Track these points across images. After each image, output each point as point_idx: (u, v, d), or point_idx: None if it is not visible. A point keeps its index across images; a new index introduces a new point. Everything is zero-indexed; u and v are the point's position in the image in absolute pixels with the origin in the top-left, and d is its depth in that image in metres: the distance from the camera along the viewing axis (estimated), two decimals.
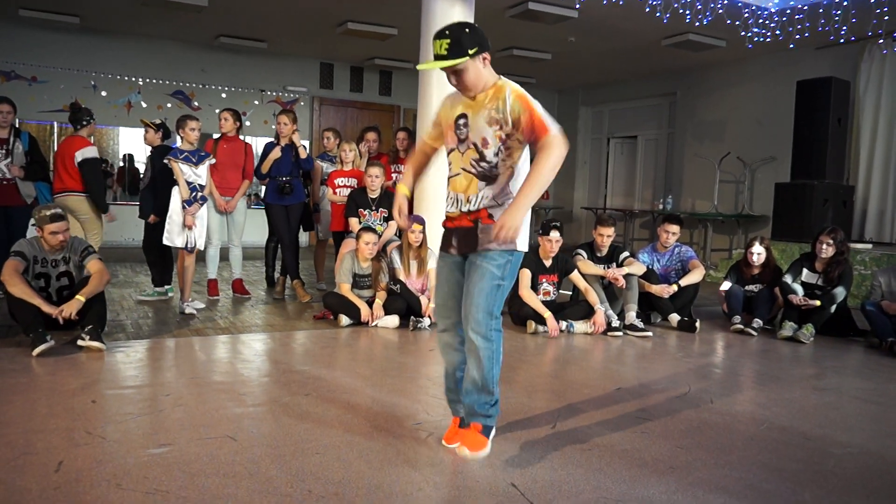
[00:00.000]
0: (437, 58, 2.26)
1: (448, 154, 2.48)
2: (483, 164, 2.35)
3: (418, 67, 2.44)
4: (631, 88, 11.60)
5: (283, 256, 6.07)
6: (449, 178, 2.47)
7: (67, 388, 3.23)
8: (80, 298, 3.98)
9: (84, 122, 5.64)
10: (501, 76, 2.38)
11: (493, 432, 2.51)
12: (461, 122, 2.38)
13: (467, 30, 2.27)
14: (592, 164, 12.79)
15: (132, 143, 10.09)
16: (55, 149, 9.29)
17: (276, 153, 5.83)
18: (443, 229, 2.52)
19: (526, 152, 2.39)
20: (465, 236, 2.41)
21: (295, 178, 5.93)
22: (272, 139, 6.07)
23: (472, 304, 2.34)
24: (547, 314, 4.86)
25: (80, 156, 5.46)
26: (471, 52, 2.26)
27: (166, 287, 5.84)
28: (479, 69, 2.30)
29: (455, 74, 2.30)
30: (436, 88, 5.76)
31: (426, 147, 2.64)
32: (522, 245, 2.39)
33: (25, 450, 2.46)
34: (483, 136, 2.33)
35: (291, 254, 6.00)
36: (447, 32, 2.26)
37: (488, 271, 2.33)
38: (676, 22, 7.50)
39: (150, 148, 5.85)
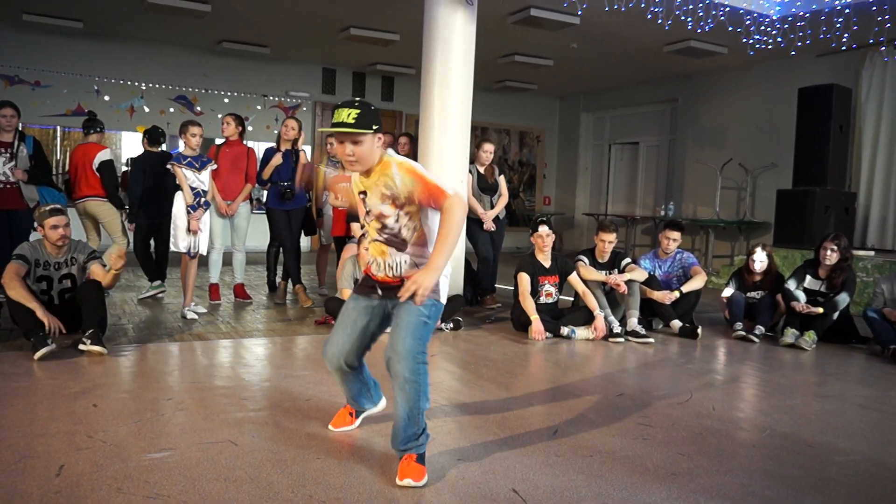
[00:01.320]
0: (343, 125, 2.32)
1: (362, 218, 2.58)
2: (386, 231, 2.43)
3: (321, 130, 2.59)
4: (632, 95, 11.62)
5: (285, 261, 6.07)
6: (368, 242, 2.55)
7: (68, 391, 3.23)
8: (112, 270, 4.11)
9: (95, 130, 6.03)
10: (388, 151, 2.45)
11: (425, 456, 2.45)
12: (362, 196, 2.47)
13: (372, 108, 2.40)
14: (594, 170, 12.80)
15: (135, 148, 10.10)
16: (58, 153, 9.34)
17: (278, 159, 5.83)
18: (363, 276, 2.60)
19: (429, 210, 2.43)
20: (391, 289, 2.48)
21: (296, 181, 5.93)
22: (273, 145, 6.08)
23: (400, 335, 2.35)
24: (533, 316, 4.85)
25: (98, 160, 5.82)
26: (374, 127, 2.36)
27: (157, 283, 6.12)
28: (374, 146, 2.37)
29: (354, 143, 2.34)
30: (437, 95, 5.76)
31: None
32: (443, 296, 2.46)
33: (26, 453, 2.46)
34: (379, 210, 2.41)
35: (293, 258, 6.00)
36: (356, 104, 2.37)
37: (416, 309, 2.35)
38: (678, 29, 7.52)
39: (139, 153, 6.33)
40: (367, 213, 2.48)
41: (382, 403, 2.89)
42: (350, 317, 2.57)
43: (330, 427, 2.84)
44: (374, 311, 2.55)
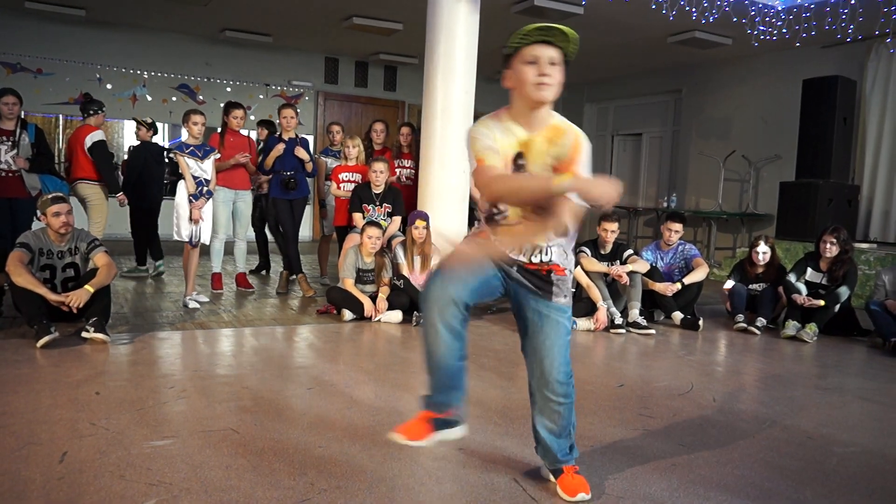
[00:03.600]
0: (560, 33, 1.91)
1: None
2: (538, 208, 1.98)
3: (531, 28, 1.90)
4: (636, 85, 11.57)
5: (288, 251, 6.07)
6: (500, 224, 2.06)
7: (72, 379, 3.25)
8: (89, 289, 3.99)
9: (91, 112, 5.98)
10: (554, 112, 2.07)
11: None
12: (520, 162, 2.01)
13: None
14: (596, 160, 12.63)
15: (135, 136, 10.10)
16: (60, 141, 9.34)
17: (279, 150, 5.82)
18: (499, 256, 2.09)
19: None
20: (536, 279, 2.11)
21: (299, 172, 5.93)
22: (276, 134, 6.07)
23: (553, 362, 2.08)
24: None
25: (88, 141, 5.78)
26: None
27: (158, 263, 6.71)
28: None
29: (553, 64, 1.94)
30: (440, 84, 5.75)
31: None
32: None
33: (30, 440, 2.47)
34: None
35: (295, 248, 6.01)
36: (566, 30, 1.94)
37: (562, 325, 2.10)
38: (682, 19, 7.47)
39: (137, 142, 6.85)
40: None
41: (464, 429, 2.22)
42: (479, 262, 2.07)
43: (397, 436, 2.11)
44: (499, 279, 2.12)
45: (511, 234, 2.04)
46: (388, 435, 2.21)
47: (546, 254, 2.09)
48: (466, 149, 2.01)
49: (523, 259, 2.09)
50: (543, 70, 1.93)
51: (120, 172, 6.62)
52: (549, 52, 1.93)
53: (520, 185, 1.94)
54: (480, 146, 1.95)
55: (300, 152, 5.85)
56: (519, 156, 2.00)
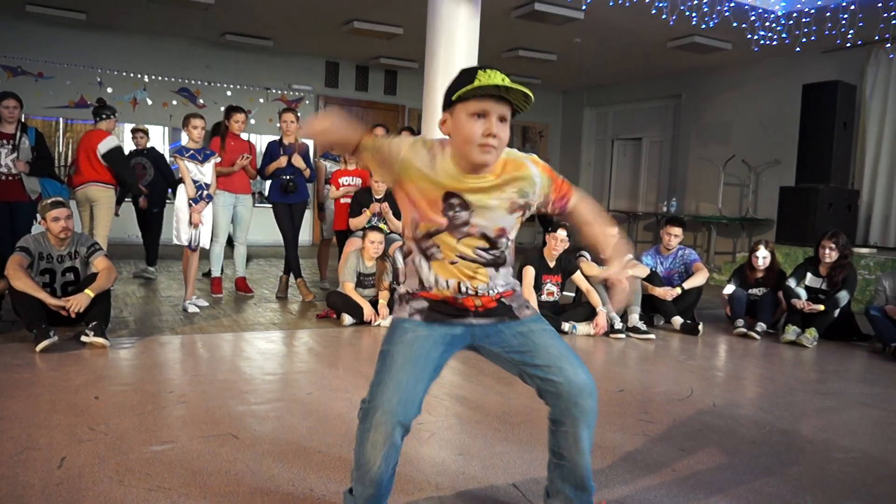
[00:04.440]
0: (508, 89, 1.66)
1: (422, 227, 1.81)
2: (493, 252, 1.82)
3: (478, 85, 1.64)
4: (636, 90, 11.59)
5: (287, 254, 6.07)
6: (432, 262, 1.83)
7: (71, 384, 3.24)
8: (89, 293, 3.99)
9: (104, 116, 6.01)
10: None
11: None
12: (454, 202, 1.75)
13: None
14: (596, 165, 12.77)
15: (132, 144, 10.11)
16: (61, 145, 9.34)
17: (282, 162, 5.82)
18: (425, 300, 1.86)
19: None
20: (492, 312, 1.88)
21: (299, 176, 5.93)
22: (276, 138, 6.07)
23: (571, 366, 1.81)
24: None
25: (103, 147, 5.77)
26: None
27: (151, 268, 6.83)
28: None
29: (503, 121, 1.69)
30: (441, 88, 5.74)
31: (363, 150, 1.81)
32: None
33: (28, 445, 2.47)
34: (500, 226, 1.80)
35: (294, 252, 6.01)
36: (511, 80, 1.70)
37: (550, 330, 1.89)
38: (682, 24, 7.49)
39: (144, 149, 6.97)
40: (458, 225, 1.77)
41: None
42: (422, 348, 1.82)
43: None
44: (454, 341, 1.89)
45: (449, 272, 1.81)
46: None
47: (492, 288, 1.85)
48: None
49: (470, 298, 1.84)
50: (492, 129, 1.66)
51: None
52: (500, 109, 1.67)
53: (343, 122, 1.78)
54: (385, 141, 1.77)
55: (297, 161, 5.85)
56: (453, 196, 1.75)
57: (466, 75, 1.67)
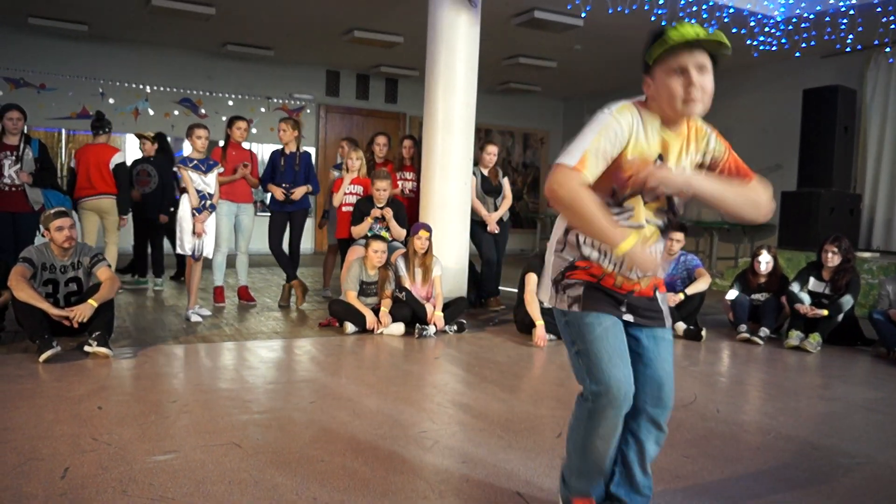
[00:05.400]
0: (716, 42, 1.66)
1: (620, 194, 1.78)
2: (670, 216, 1.84)
3: (697, 38, 1.63)
4: (636, 97, 11.60)
5: (279, 262, 6.07)
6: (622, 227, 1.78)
7: (74, 394, 3.24)
8: (92, 303, 4.00)
9: (106, 130, 6.21)
10: None
11: None
12: (657, 163, 1.76)
13: None
14: None
15: (139, 151, 10.13)
16: (64, 156, 9.38)
17: (279, 195, 5.86)
18: (579, 284, 1.82)
19: None
20: (647, 307, 1.87)
21: (298, 185, 5.94)
22: (279, 147, 6.09)
23: (669, 385, 1.87)
24: (539, 322, 4.81)
25: (115, 161, 6.05)
26: None
27: (159, 279, 6.79)
28: None
29: (709, 77, 1.69)
30: (441, 97, 5.78)
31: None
32: None
33: (31, 456, 2.47)
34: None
35: (285, 258, 6.02)
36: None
37: (671, 343, 1.90)
38: None
39: (151, 157, 6.89)
40: (653, 188, 1.72)
41: None
42: (619, 338, 1.83)
43: None
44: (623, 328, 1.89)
45: (640, 244, 1.71)
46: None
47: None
48: (586, 126, 1.72)
49: (635, 279, 1.82)
50: (693, 80, 1.67)
51: (138, 185, 6.68)
52: (697, 59, 1.67)
53: (589, 218, 1.64)
54: (596, 145, 1.66)
55: (297, 194, 5.89)
56: (658, 158, 1.76)
57: (657, 35, 1.70)
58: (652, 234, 1.82)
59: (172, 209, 6.67)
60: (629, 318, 1.84)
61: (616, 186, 1.76)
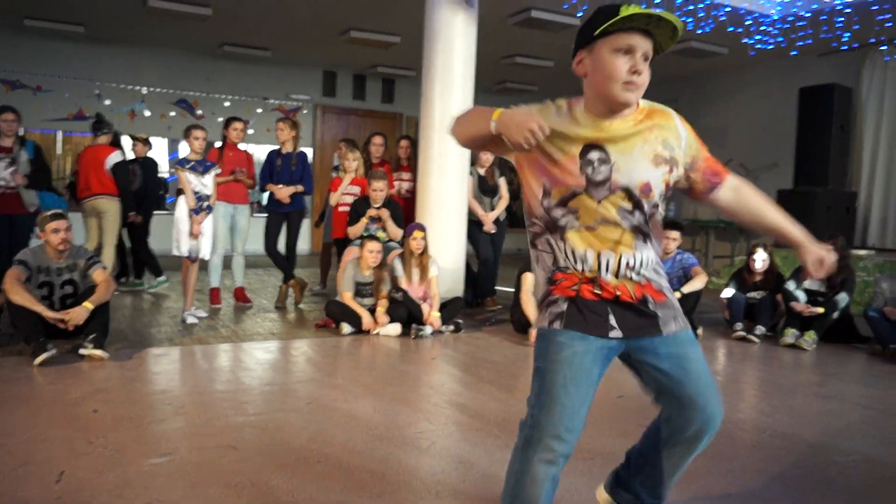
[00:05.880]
0: (657, 17, 1.54)
1: (555, 194, 1.66)
2: (638, 213, 1.65)
3: (629, 13, 1.53)
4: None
5: (276, 262, 6.07)
6: (567, 232, 1.66)
7: (69, 397, 3.24)
8: (88, 305, 3.99)
9: (105, 131, 6.24)
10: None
11: None
12: (593, 156, 1.62)
13: None
14: None
15: (131, 152, 10.13)
16: (60, 158, 9.35)
17: (284, 196, 5.85)
18: (562, 300, 1.68)
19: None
20: (637, 314, 1.69)
21: (294, 185, 5.93)
22: (276, 147, 6.09)
23: (710, 394, 1.72)
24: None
25: (110, 161, 6.02)
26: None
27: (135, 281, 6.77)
28: None
29: (646, 59, 1.61)
30: (438, 97, 5.77)
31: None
32: None
33: (26, 460, 2.46)
34: (644, 180, 1.63)
35: (281, 258, 6.02)
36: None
37: (698, 349, 1.74)
38: None
39: (140, 158, 6.99)
40: (599, 183, 1.62)
41: None
42: (585, 368, 1.66)
43: None
44: (608, 356, 1.72)
45: (589, 242, 1.64)
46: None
47: (632, 267, 1.66)
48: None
49: (613, 284, 1.66)
50: (637, 66, 1.58)
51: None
52: (646, 45, 1.59)
53: (465, 119, 1.67)
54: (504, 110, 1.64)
55: (284, 193, 5.87)
56: (592, 148, 1.62)
57: (608, 11, 1.57)
58: (623, 238, 1.64)
59: (152, 212, 6.86)
60: (618, 334, 1.67)
61: (547, 181, 1.66)
